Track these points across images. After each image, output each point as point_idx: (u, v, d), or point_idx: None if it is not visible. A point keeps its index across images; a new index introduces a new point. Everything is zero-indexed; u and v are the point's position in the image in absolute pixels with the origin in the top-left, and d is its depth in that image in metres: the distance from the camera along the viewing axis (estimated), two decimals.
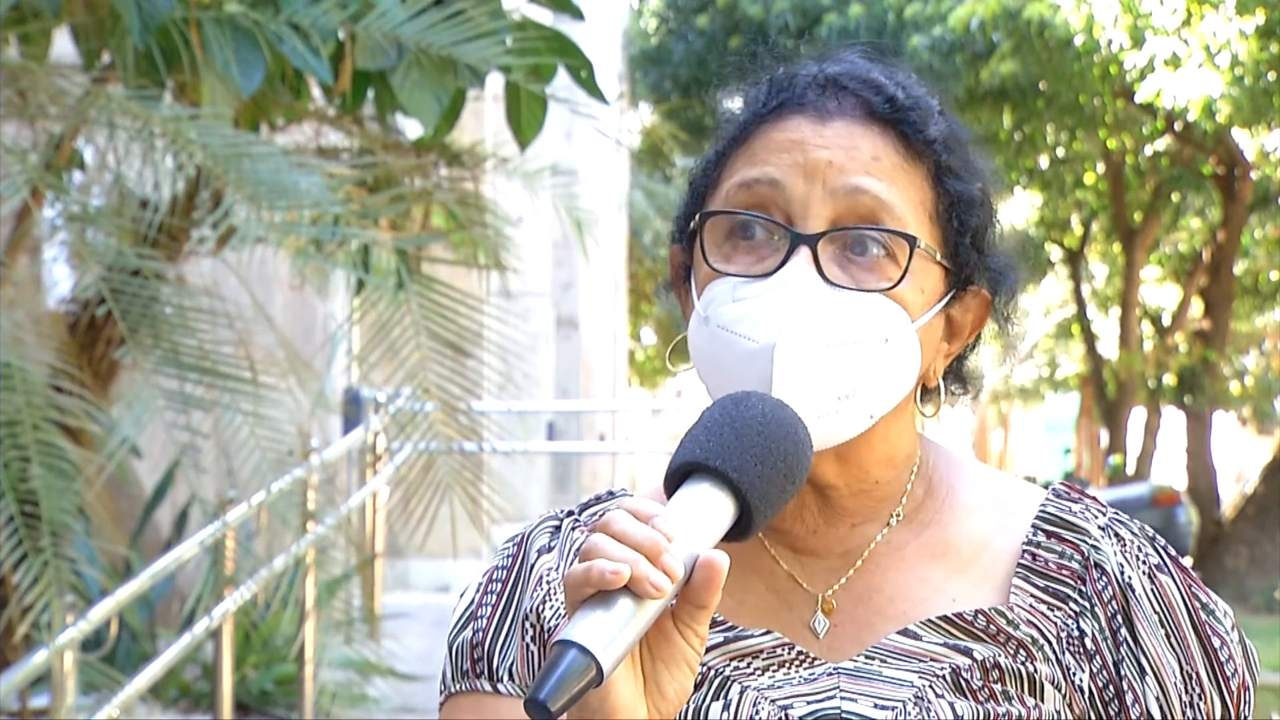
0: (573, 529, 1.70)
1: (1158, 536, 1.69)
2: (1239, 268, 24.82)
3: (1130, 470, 26.27)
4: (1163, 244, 27.42)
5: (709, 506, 1.44)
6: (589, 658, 1.33)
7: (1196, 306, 25.54)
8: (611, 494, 1.74)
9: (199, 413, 5.05)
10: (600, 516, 1.68)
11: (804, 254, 1.56)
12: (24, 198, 5.00)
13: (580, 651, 1.33)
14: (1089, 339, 27.63)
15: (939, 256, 1.61)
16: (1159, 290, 29.84)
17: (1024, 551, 1.65)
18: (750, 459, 1.44)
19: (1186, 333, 25.79)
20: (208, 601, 6.77)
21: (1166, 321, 27.95)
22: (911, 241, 1.58)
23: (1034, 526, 1.66)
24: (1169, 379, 24.77)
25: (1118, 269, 28.14)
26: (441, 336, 5.47)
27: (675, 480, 1.46)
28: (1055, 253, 27.66)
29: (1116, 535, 1.67)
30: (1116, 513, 1.69)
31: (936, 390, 1.66)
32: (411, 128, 6.32)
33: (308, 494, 7.73)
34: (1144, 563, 1.66)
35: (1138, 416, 27.51)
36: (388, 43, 5.05)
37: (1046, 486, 1.72)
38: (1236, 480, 32.13)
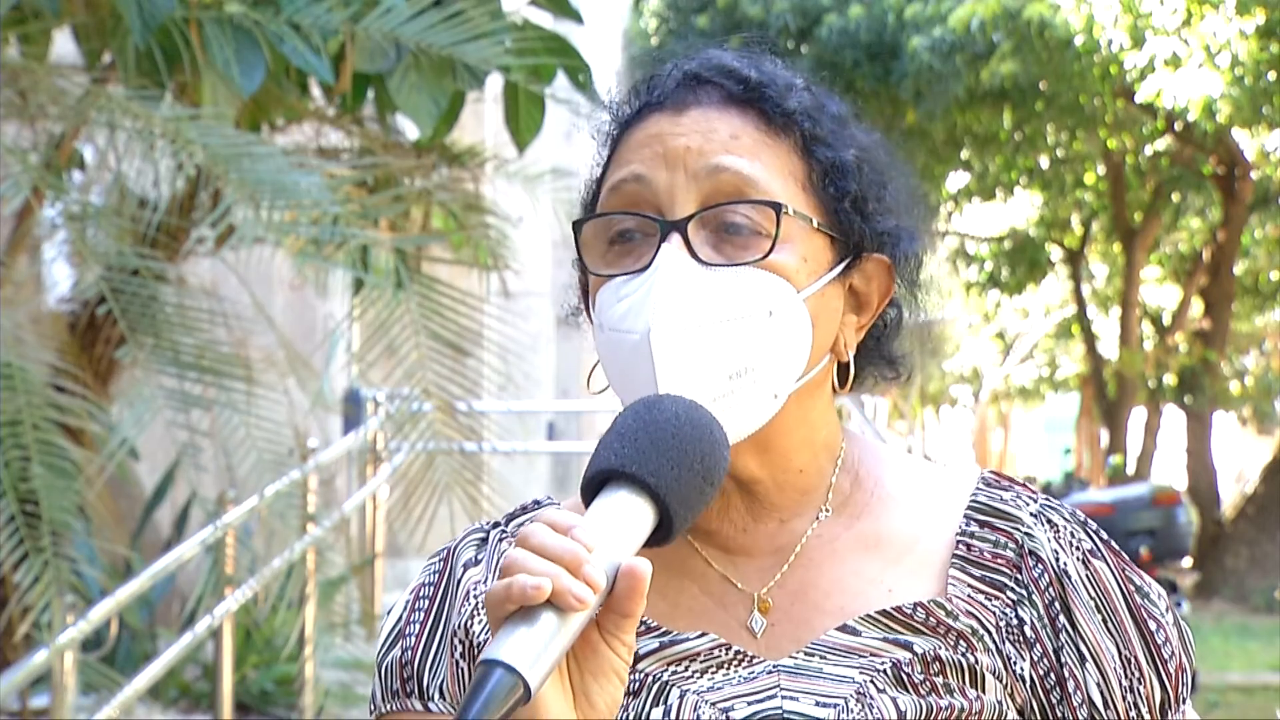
0: (500, 540, 1.68)
1: (1089, 520, 1.68)
2: (1239, 268, 24.80)
3: (1130, 470, 26.24)
4: (1163, 244, 27.40)
5: (628, 514, 1.41)
6: (515, 676, 1.31)
7: (1196, 306, 25.52)
8: (538, 503, 1.72)
9: (199, 412, 5.05)
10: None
11: (675, 240, 1.56)
12: (24, 197, 5.01)
13: (506, 670, 1.31)
14: (1089, 339, 27.61)
15: (816, 224, 1.60)
16: (1159, 290, 29.82)
17: (958, 542, 1.64)
18: (666, 462, 1.42)
19: (1186, 333, 25.78)
20: (208, 601, 6.78)
21: (1166, 321, 27.93)
22: (777, 208, 1.57)
23: (966, 516, 1.65)
24: (1169, 379, 24.76)
25: (1118, 269, 28.13)
26: (441, 336, 5.48)
27: (592, 489, 1.44)
28: (1055, 253, 27.65)
29: (1049, 521, 1.65)
30: (1048, 499, 1.68)
31: (860, 367, 1.65)
32: (412, 128, 6.33)
33: (307, 494, 7.73)
34: (1078, 548, 1.64)
35: (1138, 416, 27.49)
36: (388, 43, 5.05)
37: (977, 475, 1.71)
38: (1236, 480, 32.09)
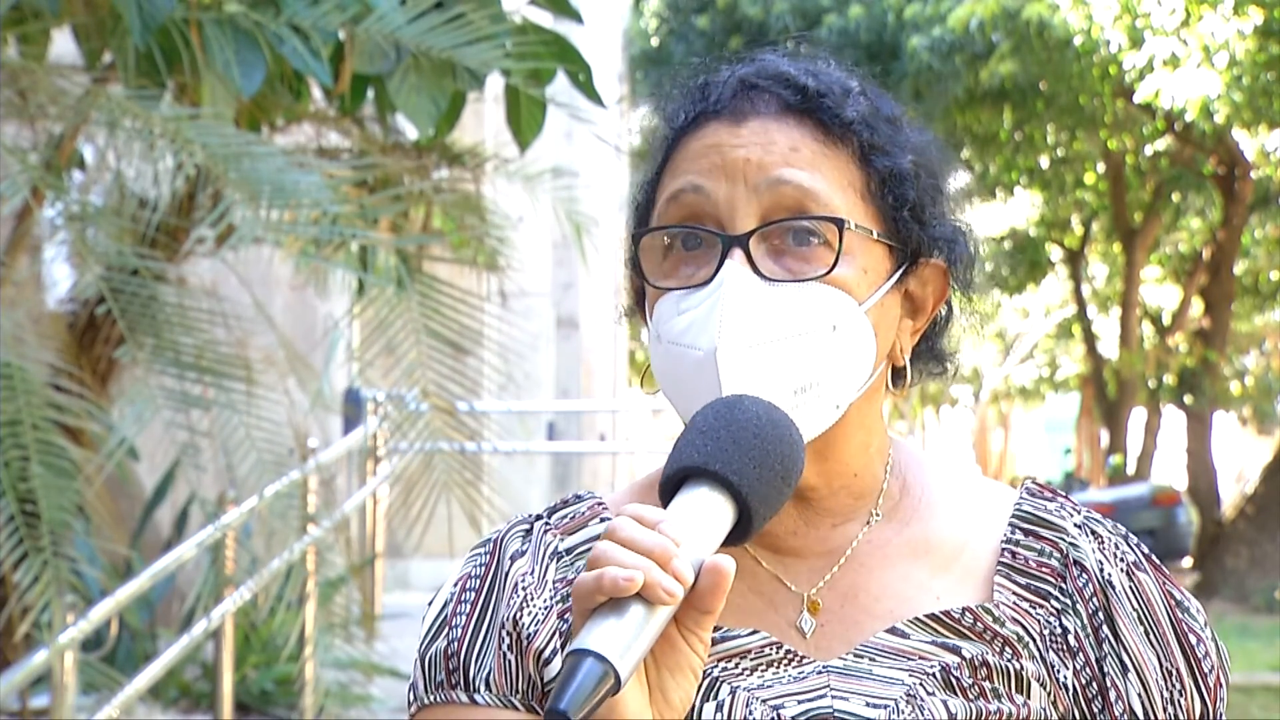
0: (544, 532, 1.69)
1: (1131, 534, 1.69)
2: (1239, 268, 24.82)
3: (1130, 470, 26.27)
4: (1163, 244, 27.43)
5: (709, 511, 1.43)
6: (606, 665, 1.33)
7: (1196, 306, 25.54)
8: (579, 497, 1.72)
9: (198, 412, 5.04)
10: (570, 519, 1.69)
11: (737, 255, 1.56)
12: (24, 197, 5.00)
13: (597, 659, 1.32)
14: (1089, 339, 27.64)
15: (876, 234, 1.60)
16: (1159, 290, 29.84)
17: (1004, 550, 1.65)
18: (748, 461, 1.44)
19: (1186, 333, 25.80)
20: (208, 601, 6.77)
21: (1166, 321, 27.95)
22: (839, 224, 1.57)
23: (1011, 524, 1.67)
24: (1169, 379, 24.78)
25: (1118, 269, 28.15)
26: (441, 336, 5.47)
27: (673, 485, 1.45)
28: (1055, 253, 27.66)
29: (1093, 533, 1.67)
30: (1089, 511, 1.69)
31: (907, 369, 1.66)
32: (412, 128, 6.32)
33: (307, 494, 7.72)
34: (1122, 560, 1.66)
35: (1138, 416, 27.52)
36: (387, 45, 5.05)
37: (1014, 484, 1.72)
38: (1236, 480, 32.13)
